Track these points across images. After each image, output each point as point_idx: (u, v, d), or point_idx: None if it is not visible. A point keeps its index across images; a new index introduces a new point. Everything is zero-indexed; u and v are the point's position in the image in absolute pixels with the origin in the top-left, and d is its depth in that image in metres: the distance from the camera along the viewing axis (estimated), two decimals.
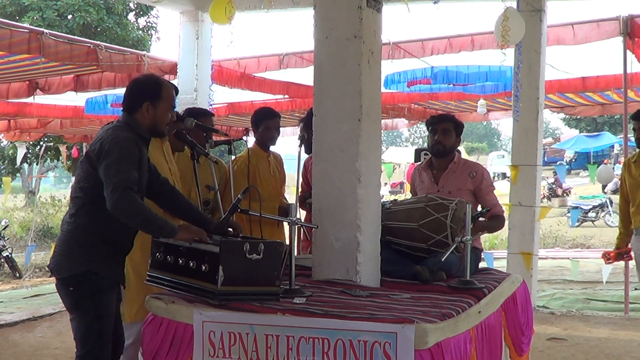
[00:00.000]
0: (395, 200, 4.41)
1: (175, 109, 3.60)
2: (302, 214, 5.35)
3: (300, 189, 4.96)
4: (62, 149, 15.63)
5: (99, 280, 3.16)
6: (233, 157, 4.50)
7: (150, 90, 3.29)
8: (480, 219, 4.00)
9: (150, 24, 21.34)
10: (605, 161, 25.17)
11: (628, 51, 6.91)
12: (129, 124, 3.26)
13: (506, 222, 7.13)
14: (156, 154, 3.93)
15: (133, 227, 3.18)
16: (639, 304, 7.60)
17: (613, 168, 22.66)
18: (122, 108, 3.35)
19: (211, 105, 7.69)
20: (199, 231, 3.20)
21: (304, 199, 4.94)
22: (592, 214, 18.74)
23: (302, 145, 5.04)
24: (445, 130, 4.39)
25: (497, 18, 5.88)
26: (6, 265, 12.50)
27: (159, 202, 3.47)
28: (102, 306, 3.18)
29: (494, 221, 4.35)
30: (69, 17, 18.53)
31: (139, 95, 3.29)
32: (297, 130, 11.57)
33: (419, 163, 4.99)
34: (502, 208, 4.51)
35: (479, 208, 4.39)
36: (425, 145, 5.87)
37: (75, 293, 3.17)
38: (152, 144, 3.86)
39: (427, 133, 4.64)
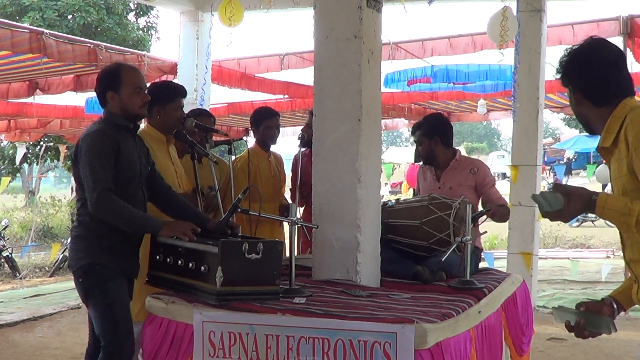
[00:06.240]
0: (398, 199, 4.43)
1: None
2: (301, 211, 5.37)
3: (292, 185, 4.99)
4: (62, 149, 15.62)
5: (103, 269, 3.25)
6: (233, 157, 4.50)
7: (109, 79, 3.36)
8: (484, 216, 4.03)
9: (150, 24, 21.31)
10: (604, 161, 25.14)
11: (628, 51, 6.91)
12: (105, 118, 3.35)
13: (506, 222, 7.16)
14: (162, 156, 3.93)
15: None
16: (639, 304, 7.59)
17: None
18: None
19: (201, 104, 7.65)
20: (184, 227, 3.20)
21: (303, 191, 4.95)
22: (592, 214, 18.70)
23: (302, 145, 5.07)
24: (418, 142, 4.50)
25: (491, 19, 5.90)
26: (6, 265, 12.50)
27: (154, 202, 3.50)
28: (110, 293, 3.25)
29: (502, 208, 4.38)
30: (69, 17, 18.50)
31: (101, 87, 3.37)
32: (297, 130, 11.60)
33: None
34: (506, 201, 4.54)
35: (480, 207, 4.40)
36: None
37: (83, 283, 3.29)
38: (158, 146, 3.89)
39: None
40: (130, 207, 3.19)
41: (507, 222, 7.28)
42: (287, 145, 12.31)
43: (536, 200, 2.14)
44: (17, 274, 12.06)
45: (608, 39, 2.39)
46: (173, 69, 7.95)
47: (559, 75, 2.33)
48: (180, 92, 4.04)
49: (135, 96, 3.34)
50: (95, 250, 3.26)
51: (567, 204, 2.10)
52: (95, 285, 3.25)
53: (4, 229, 13.07)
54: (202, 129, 4.33)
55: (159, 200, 3.52)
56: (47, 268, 13.32)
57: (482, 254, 4.90)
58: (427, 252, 3.80)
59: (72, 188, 21.35)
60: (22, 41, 6.07)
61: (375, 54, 3.66)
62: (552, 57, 7.53)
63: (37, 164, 21.63)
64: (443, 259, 3.57)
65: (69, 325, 7.21)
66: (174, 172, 4.00)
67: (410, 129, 4.83)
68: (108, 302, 3.25)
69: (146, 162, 3.45)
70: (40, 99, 9.23)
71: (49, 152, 18.50)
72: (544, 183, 21.88)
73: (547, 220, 2.20)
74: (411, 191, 16.07)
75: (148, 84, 3.84)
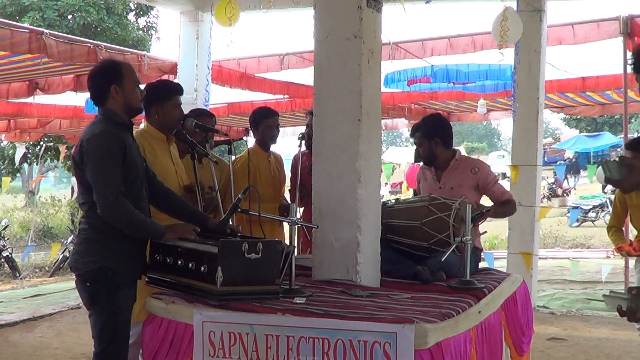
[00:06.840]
0: (397, 199, 4.43)
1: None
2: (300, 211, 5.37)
3: (291, 185, 5.00)
4: (62, 149, 15.63)
5: (114, 275, 3.19)
6: (233, 157, 4.50)
7: (111, 73, 3.30)
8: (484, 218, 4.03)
9: (150, 24, 21.31)
10: None
11: (628, 51, 6.91)
12: (104, 117, 3.28)
13: (506, 221, 7.15)
14: (163, 155, 3.92)
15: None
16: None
17: None
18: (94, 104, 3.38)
19: (206, 105, 7.66)
20: (185, 229, 3.21)
21: (302, 191, 4.95)
22: (592, 214, 18.73)
23: (302, 144, 5.07)
24: (418, 143, 4.49)
25: (495, 18, 5.90)
26: (6, 265, 12.50)
27: (153, 202, 3.48)
28: (117, 302, 3.20)
29: (505, 206, 4.38)
30: (69, 17, 18.51)
31: (103, 82, 3.29)
32: (297, 130, 11.61)
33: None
34: (511, 194, 4.53)
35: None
36: None
37: (91, 288, 3.22)
38: (158, 146, 3.88)
39: None
40: (139, 213, 3.16)
41: (507, 222, 7.31)
42: (287, 145, 12.31)
43: (602, 167, 2.50)
44: (17, 274, 12.07)
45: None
46: (173, 69, 7.94)
47: (632, 66, 2.53)
48: (177, 89, 4.02)
49: (136, 90, 3.33)
50: (107, 254, 3.19)
51: (628, 176, 2.43)
52: (103, 292, 3.18)
53: (4, 229, 13.08)
54: (202, 128, 4.33)
55: (157, 198, 3.47)
56: (47, 268, 13.32)
57: (482, 254, 4.89)
58: (426, 253, 3.80)
59: (72, 188, 21.35)
60: (22, 41, 6.05)
61: (375, 54, 3.66)
62: (552, 57, 7.54)
63: (37, 164, 21.61)
64: (443, 259, 3.57)
65: (69, 325, 7.21)
66: (175, 172, 3.99)
67: (410, 130, 4.82)
68: (113, 311, 3.19)
69: (142, 159, 3.44)
70: (40, 99, 9.22)
71: (49, 152, 18.49)
72: (544, 183, 21.90)
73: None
74: (411, 191, 16.07)
75: (146, 84, 3.85)
